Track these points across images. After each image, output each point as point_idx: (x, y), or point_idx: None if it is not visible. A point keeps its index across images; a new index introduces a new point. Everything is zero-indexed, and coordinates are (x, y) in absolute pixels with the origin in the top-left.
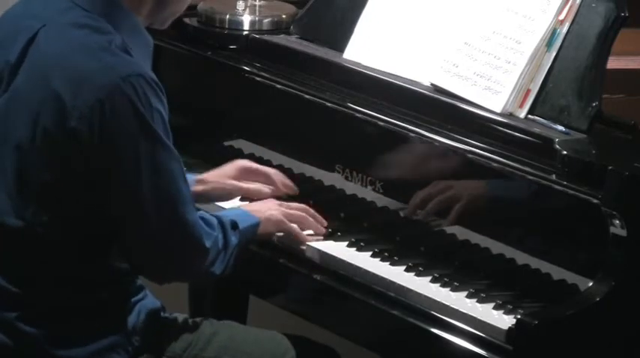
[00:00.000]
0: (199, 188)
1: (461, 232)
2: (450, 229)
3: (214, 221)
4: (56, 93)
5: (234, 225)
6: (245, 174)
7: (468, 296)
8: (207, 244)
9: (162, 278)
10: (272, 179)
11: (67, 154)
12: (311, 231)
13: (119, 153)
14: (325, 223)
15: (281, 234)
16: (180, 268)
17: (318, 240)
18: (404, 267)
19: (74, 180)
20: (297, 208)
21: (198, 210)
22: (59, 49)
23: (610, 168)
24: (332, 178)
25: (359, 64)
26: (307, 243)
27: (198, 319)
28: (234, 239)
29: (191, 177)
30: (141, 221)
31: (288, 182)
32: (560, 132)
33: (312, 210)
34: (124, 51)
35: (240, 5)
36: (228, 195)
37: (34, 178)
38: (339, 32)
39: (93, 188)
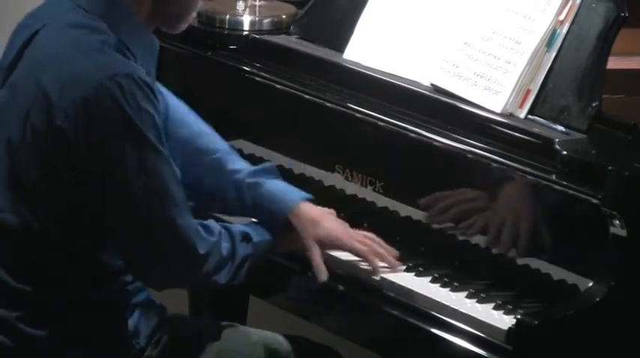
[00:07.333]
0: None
1: (461, 232)
2: (450, 229)
3: (216, 229)
4: (44, 91)
5: (246, 236)
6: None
7: (468, 297)
8: (201, 250)
9: (159, 284)
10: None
11: (54, 153)
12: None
13: (104, 152)
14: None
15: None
16: (174, 272)
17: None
18: (404, 267)
19: (62, 178)
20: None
21: (202, 218)
22: (53, 48)
23: (610, 168)
24: (332, 178)
25: (359, 64)
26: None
27: (198, 320)
28: (242, 250)
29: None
30: (131, 222)
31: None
32: (560, 132)
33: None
34: (117, 51)
35: (240, 5)
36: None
37: (25, 176)
38: (339, 32)
39: (81, 186)
